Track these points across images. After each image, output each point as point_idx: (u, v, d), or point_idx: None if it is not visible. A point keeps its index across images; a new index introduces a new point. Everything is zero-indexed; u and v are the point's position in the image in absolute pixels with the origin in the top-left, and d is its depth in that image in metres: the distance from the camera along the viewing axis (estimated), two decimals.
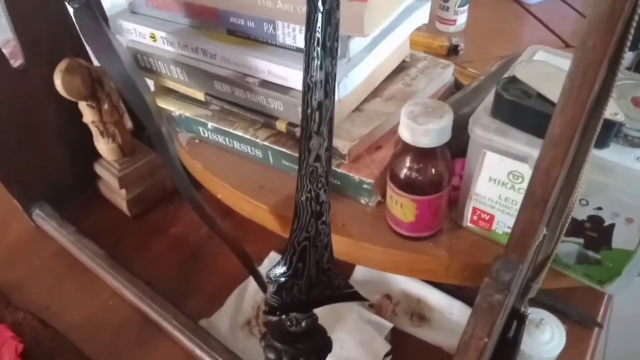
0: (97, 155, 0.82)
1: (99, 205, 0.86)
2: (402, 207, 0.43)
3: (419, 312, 0.67)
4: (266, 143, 0.53)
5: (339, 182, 0.51)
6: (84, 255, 0.76)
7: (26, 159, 0.79)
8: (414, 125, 0.39)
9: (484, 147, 0.38)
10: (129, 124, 0.89)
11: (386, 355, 0.62)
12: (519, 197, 0.38)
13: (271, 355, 0.47)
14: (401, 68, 0.57)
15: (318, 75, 0.36)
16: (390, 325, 0.64)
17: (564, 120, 0.25)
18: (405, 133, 0.40)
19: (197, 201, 0.54)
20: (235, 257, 0.59)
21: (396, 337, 0.65)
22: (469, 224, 0.46)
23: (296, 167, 0.41)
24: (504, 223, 0.43)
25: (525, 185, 0.34)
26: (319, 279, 0.47)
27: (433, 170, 0.41)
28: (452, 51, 0.80)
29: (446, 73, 0.57)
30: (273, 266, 0.46)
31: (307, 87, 0.36)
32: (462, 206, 0.44)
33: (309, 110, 0.37)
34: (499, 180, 0.39)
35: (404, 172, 0.42)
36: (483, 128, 0.37)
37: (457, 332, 0.63)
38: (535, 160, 0.28)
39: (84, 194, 0.87)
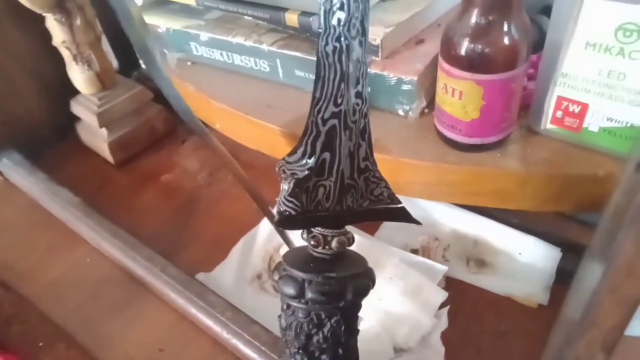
0: (75, 94, 0.69)
1: (78, 154, 0.73)
2: (463, 97, 0.33)
3: (477, 257, 0.52)
4: (274, 49, 0.43)
5: (368, 88, 0.39)
6: (55, 205, 0.62)
7: None
8: None
9: None
10: (114, 62, 0.76)
11: (442, 305, 0.46)
12: (631, 67, 0.29)
13: (289, 290, 0.32)
14: None
15: None
16: (444, 268, 0.49)
17: None
18: None
19: (200, 126, 0.40)
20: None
21: (450, 287, 0.49)
22: (549, 126, 0.35)
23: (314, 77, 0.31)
24: (603, 114, 0.32)
25: None
26: (353, 180, 0.34)
27: (507, 33, 0.31)
28: None
29: None
30: (287, 154, 0.31)
31: None
32: (540, 101, 0.35)
33: None
34: (602, 44, 0.30)
35: (466, 41, 0.31)
36: None
37: (529, 277, 0.48)
38: None
39: (61, 143, 0.74)
